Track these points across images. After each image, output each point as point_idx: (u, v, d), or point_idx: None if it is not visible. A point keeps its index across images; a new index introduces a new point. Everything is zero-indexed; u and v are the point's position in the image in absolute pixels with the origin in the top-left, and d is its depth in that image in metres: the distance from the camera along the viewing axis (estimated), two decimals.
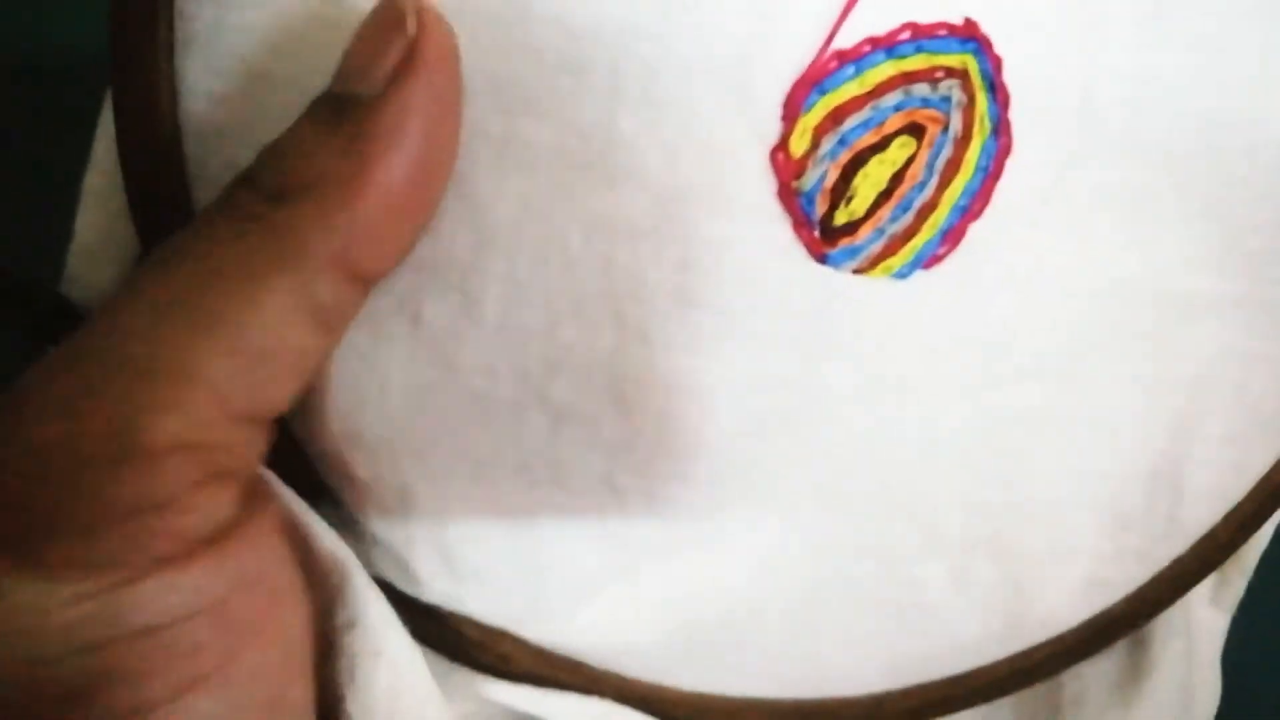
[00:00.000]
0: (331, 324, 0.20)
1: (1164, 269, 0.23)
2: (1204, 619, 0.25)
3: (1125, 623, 0.24)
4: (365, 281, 0.20)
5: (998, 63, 0.21)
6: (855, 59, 0.21)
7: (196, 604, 0.18)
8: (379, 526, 0.22)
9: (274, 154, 0.20)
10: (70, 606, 0.17)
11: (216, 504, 0.18)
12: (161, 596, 0.17)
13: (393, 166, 0.19)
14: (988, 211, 0.22)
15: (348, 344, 0.21)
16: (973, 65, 0.21)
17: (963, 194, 0.22)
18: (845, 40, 0.21)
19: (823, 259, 0.22)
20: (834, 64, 0.21)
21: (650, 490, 0.22)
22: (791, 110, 0.21)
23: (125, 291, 0.19)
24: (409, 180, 0.19)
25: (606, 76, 0.21)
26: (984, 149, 0.22)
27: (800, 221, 0.21)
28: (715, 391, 0.22)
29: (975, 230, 0.22)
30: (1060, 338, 0.23)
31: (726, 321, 0.22)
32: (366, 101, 0.19)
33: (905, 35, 0.21)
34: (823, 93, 0.21)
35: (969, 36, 0.21)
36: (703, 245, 0.21)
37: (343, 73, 0.20)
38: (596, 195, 0.21)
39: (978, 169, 0.22)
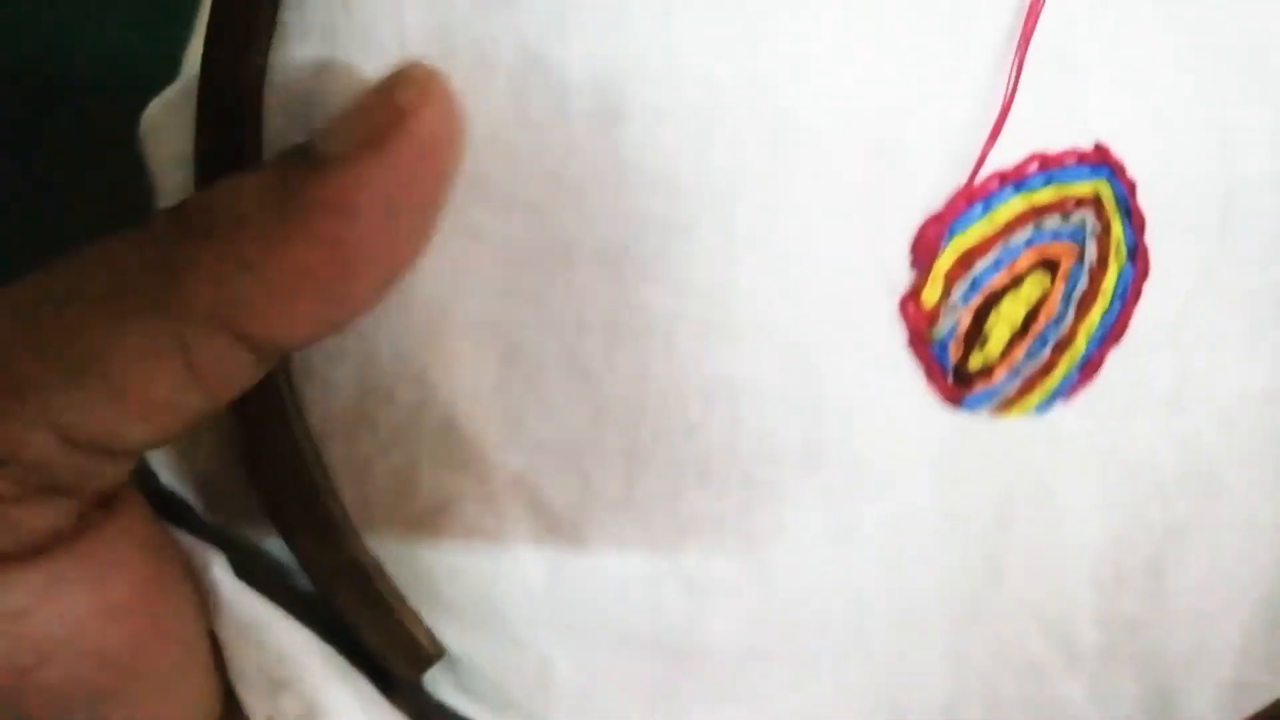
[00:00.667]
0: (208, 383, 0.17)
1: None
2: None
3: None
4: (259, 350, 0.18)
5: (1132, 187, 0.20)
6: (984, 197, 0.20)
7: (20, 606, 0.17)
8: (518, 694, 0.22)
9: (221, 184, 0.17)
10: None
11: (34, 521, 0.17)
12: None
13: (319, 241, 0.16)
14: (1126, 338, 0.21)
15: (470, 540, 0.20)
16: (1106, 192, 0.20)
17: (1100, 324, 0.21)
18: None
19: (958, 404, 0.21)
20: (963, 204, 0.20)
21: (794, 653, 0.21)
22: (922, 256, 0.20)
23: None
24: (335, 264, 0.17)
25: (719, 232, 0.20)
26: (1120, 276, 0.21)
27: (933, 371, 0.20)
28: (852, 545, 0.21)
29: (1114, 356, 0.21)
30: (1204, 451, 0.22)
31: (859, 476, 0.21)
32: (321, 160, 0.17)
33: (1034, 167, 0.20)
34: (952, 235, 0.20)
35: (1101, 163, 0.20)
36: (832, 401, 0.20)
37: (322, 128, 0.17)
38: (718, 356, 0.20)
39: (1115, 297, 0.21)
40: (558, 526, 0.21)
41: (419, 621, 0.22)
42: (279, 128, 0.19)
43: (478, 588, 0.21)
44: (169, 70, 0.25)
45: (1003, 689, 0.23)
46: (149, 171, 0.21)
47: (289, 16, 0.19)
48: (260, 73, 0.19)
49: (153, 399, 0.17)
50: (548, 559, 0.21)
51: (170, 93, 0.21)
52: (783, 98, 0.19)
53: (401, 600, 0.22)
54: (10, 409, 0.17)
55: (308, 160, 0.17)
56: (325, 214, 0.16)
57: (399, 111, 0.16)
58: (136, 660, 0.19)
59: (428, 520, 0.21)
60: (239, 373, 0.18)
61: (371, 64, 0.19)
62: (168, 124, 0.21)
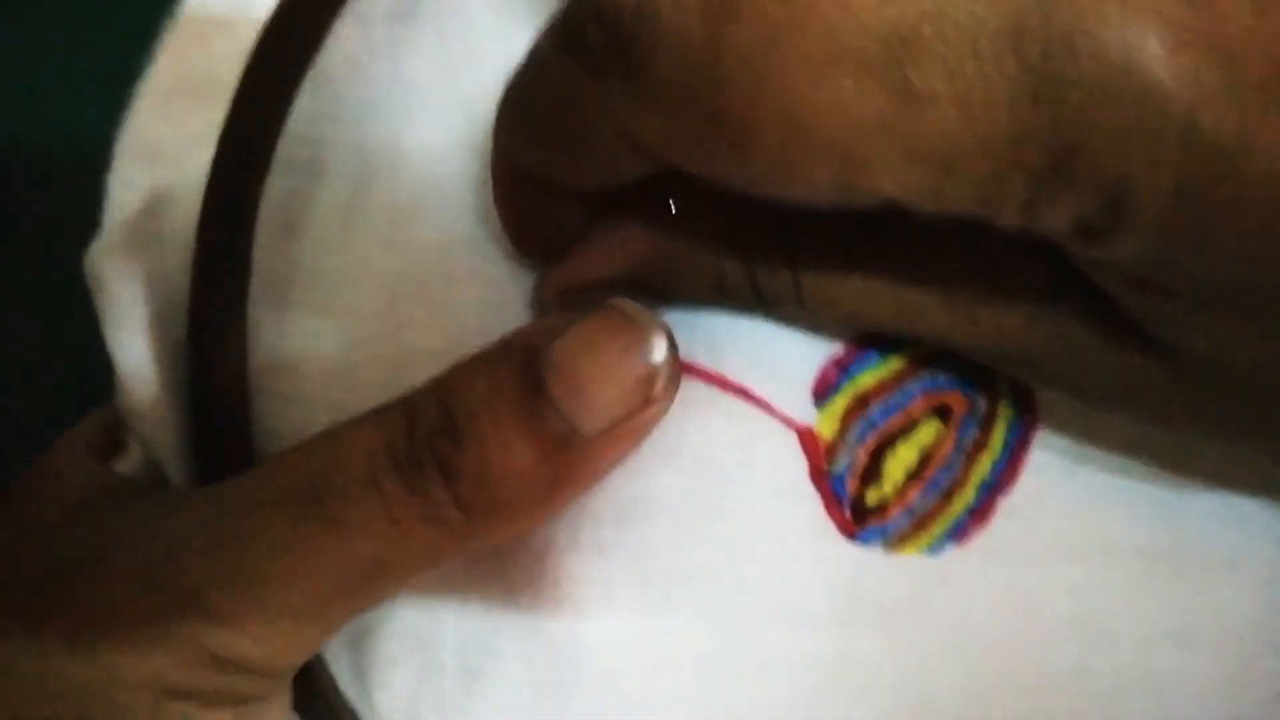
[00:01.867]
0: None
1: (1200, 523, 0.23)
2: None
3: None
4: None
5: None
6: (880, 345, 0.22)
7: None
8: None
9: (478, 461, 0.19)
10: None
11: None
12: None
13: (571, 497, 0.20)
14: (1017, 484, 0.22)
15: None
16: None
17: (990, 471, 0.22)
18: None
19: (853, 537, 0.22)
20: (858, 350, 0.22)
21: None
22: (821, 394, 0.22)
23: (292, 515, 0.19)
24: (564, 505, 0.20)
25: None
26: (1010, 426, 0.22)
27: (831, 502, 0.22)
28: (746, 671, 0.22)
29: (1005, 503, 0.22)
30: (1103, 601, 0.22)
31: (751, 596, 0.22)
32: (584, 439, 0.19)
33: None
34: (850, 377, 0.22)
35: None
36: (736, 527, 0.22)
37: (570, 387, 0.19)
38: (632, 477, 0.22)
39: (1005, 446, 0.22)
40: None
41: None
42: None
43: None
44: None
45: None
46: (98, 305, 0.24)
47: None
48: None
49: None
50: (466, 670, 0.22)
51: (110, 237, 0.24)
52: None
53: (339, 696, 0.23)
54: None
55: (572, 444, 0.19)
56: (584, 486, 0.20)
57: (651, 399, 0.19)
58: None
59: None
60: None
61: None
62: (112, 265, 0.24)
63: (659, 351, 0.19)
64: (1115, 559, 0.22)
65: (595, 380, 0.19)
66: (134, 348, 0.23)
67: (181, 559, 0.19)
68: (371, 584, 0.20)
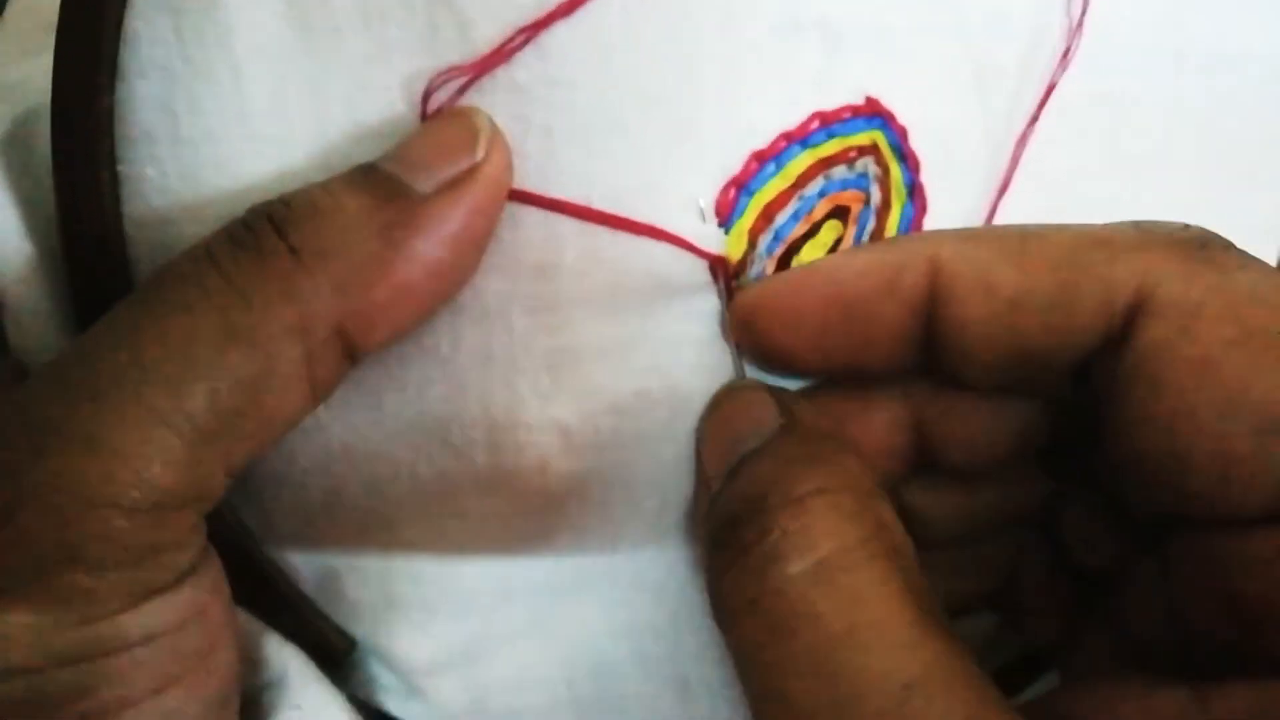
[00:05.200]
0: (319, 396, 0.20)
1: None
2: None
3: None
4: (356, 356, 0.20)
5: (903, 132, 0.22)
6: (774, 156, 0.22)
7: (162, 628, 0.19)
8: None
9: (308, 208, 0.20)
10: (58, 634, 0.18)
11: (200, 540, 0.20)
12: (140, 623, 0.18)
13: (418, 262, 0.20)
14: None
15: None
16: (882, 140, 0.22)
17: None
18: (760, 141, 0.22)
19: None
20: (755, 165, 0.22)
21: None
22: (725, 215, 0.22)
23: (143, 330, 0.19)
24: (428, 282, 0.20)
25: (543, 225, 0.21)
26: (903, 214, 0.23)
27: None
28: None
29: None
30: None
31: (685, 413, 0.23)
32: (418, 198, 0.20)
33: (815, 125, 0.22)
34: (750, 194, 0.22)
35: (873, 114, 0.22)
36: (658, 351, 0.22)
37: (400, 157, 0.20)
38: (554, 333, 0.22)
39: (900, 233, 0.23)
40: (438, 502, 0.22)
41: (326, 619, 0.23)
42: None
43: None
44: None
45: None
46: None
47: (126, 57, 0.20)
48: (109, 114, 0.20)
49: (288, 413, 0.19)
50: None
51: None
52: (590, 102, 0.21)
53: (308, 601, 0.23)
54: (201, 454, 0.18)
55: (404, 194, 0.20)
56: (423, 243, 0.19)
57: (475, 158, 0.20)
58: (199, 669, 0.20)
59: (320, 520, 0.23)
60: (338, 378, 0.20)
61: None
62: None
63: (479, 118, 0.20)
64: None
65: (414, 139, 0.20)
66: (4, 224, 0.21)
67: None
68: (228, 360, 0.19)
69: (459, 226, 0.20)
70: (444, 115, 0.20)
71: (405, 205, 0.20)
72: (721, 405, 0.22)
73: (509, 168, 0.21)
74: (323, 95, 0.20)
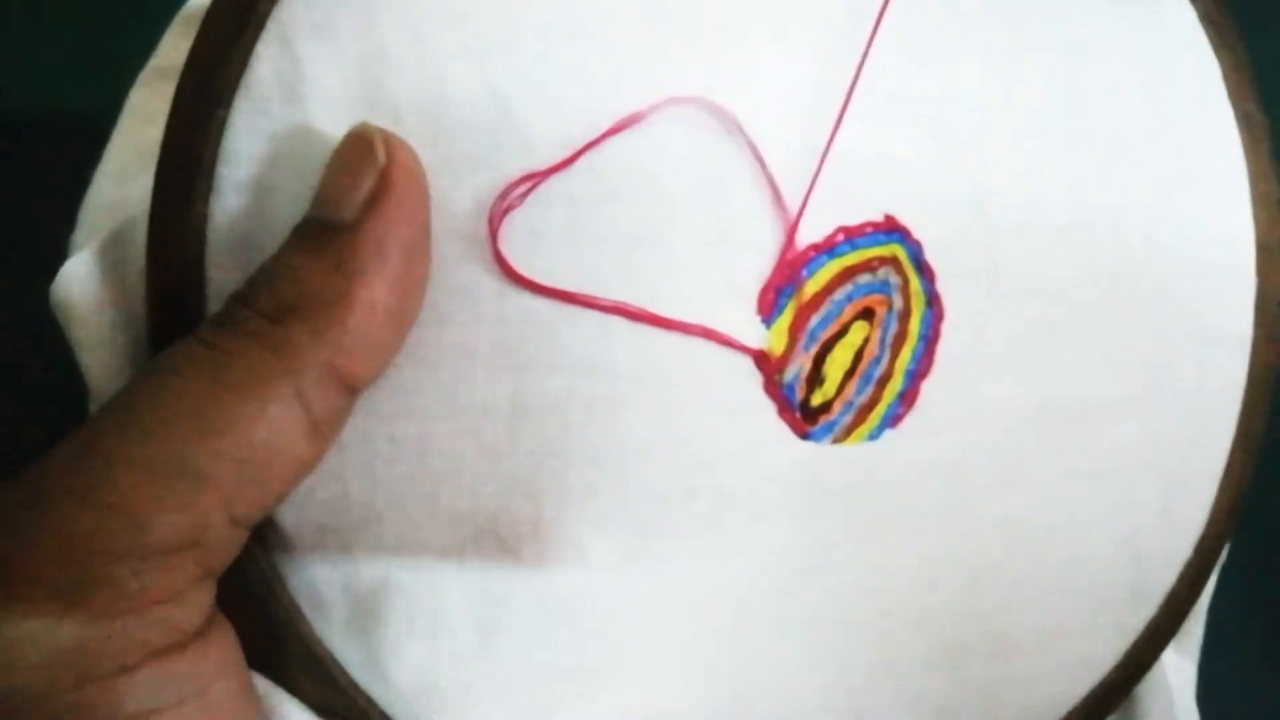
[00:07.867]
0: (323, 432, 0.21)
1: (1076, 382, 0.26)
2: (1176, 669, 0.29)
3: (1119, 690, 0.27)
4: (353, 389, 0.22)
5: (919, 246, 0.25)
6: (805, 263, 0.25)
7: (181, 694, 0.19)
8: None
9: (266, 276, 0.21)
10: (67, 694, 0.18)
11: (204, 600, 0.20)
12: (153, 686, 0.19)
13: (375, 283, 0.21)
14: (933, 370, 0.26)
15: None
16: (900, 252, 0.25)
17: (911, 360, 0.25)
18: (792, 251, 0.25)
19: (805, 436, 0.25)
20: (789, 271, 0.25)
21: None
22: (765, 313, 0.24)
23: (137, 394, 0.20)
24: (391, 294, 0.21)
25: (599, 326, 0.24)
26: (923, 319, 0.25)
27: (784, 408, 0.25)
28: (727, 574, 0.25)
29: (926, 387, 0.26)
30: (1014, 457, 0.26)
31: (727, 504, 0.25)
32: (347, 226, 0.21)
33: (840, 238, 0.25)
34: (788, 296, 0.25)
35: (892, 229, 0.25)
36: (703, 447, 0.24)
37: (320, 200, 0.21)
38: (605, 425, 0.24)
39: (920, 337, 0.26)
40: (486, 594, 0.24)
41: (373, 704, 0.24)
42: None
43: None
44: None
45: (877, 688, 0.26)
46: (67, 330, 0.24)
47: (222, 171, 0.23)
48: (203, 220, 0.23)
49: (292, 460, 0.21)
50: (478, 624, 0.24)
51: (80, 262, 0.24)
52: (637, 215, 0.24)
53: (354, 685, 0.24)
54: (199, 499, 0.19)
55: (335, 229, 0.21)
56: (372, 265, 0.21)
57: (379, 168, 0.21)
58: None
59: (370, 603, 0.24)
60: (343, 415, 0.22)
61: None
62: (84, 292, 0.24)
63: (366, 128, 0.22)
64: (1021, 419, 0.26)
65: (322, 180, 0.21)
66: (107, 370, 0.24)
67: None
68: (219, 406, 0.20)
69: (395, 232, 0.21)
70: (337, 148, 0.22)
71: (341, 238, 0.21)
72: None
73: (412, 152, 0.22)
74: None
